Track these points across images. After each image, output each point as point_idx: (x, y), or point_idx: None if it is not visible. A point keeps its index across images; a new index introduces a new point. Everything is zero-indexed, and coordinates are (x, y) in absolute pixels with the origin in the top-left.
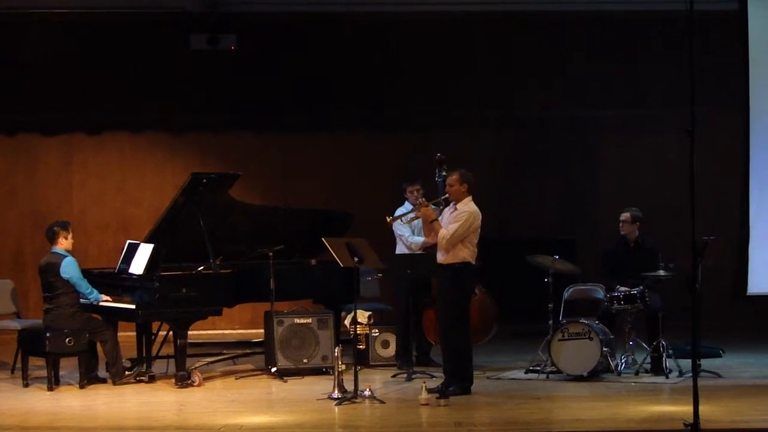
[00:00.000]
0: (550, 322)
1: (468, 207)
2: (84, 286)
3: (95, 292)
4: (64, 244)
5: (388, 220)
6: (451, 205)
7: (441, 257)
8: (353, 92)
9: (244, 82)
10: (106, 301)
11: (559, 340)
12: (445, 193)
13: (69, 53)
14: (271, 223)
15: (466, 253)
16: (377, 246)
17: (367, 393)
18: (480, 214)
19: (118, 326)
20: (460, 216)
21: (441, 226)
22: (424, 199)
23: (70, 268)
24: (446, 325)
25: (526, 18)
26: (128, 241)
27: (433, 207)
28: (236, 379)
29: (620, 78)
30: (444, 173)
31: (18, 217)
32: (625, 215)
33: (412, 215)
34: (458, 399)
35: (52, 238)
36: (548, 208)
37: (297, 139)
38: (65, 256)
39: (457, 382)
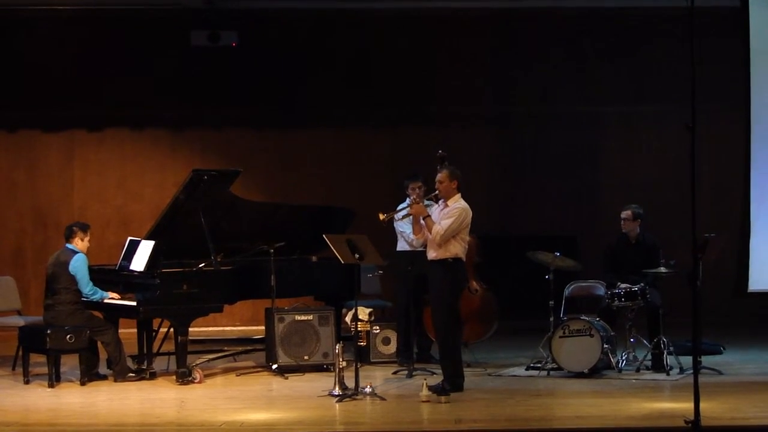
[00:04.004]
0: (551, 318)
1: (459, 203)
2: (89, 286)
3: (99, 292)
4: (79, 244)
5: (381, 217)
6: (441, 202)
7: (432, 253)
8: (354, 89)
9: (245, 79)
10: (112, 298)
11: (560, 336)
12: (435, 190)
13: (70, 50)
14: (272, 220)
15: (458, 248)
16: (378, 243)
17: (367, 390)
18: (470, 211)
19: (119, 324)
20: (452, 212)
21: (433, 222)
22: (415, 196)
23: (79, 264)
24: (438, 320)
25: (526, 14)
26: (129, 238)
27: (426, 203)
28: (237, 375)
29: (621, 74)
30: None
31: (19, 213)
32: (626, 213)
33: (404, 212)
34: (459, 396)
35: (69, 236)
36: (549, 204)
37: (298, 136)
38: (77, 252)
39: (449, 378)
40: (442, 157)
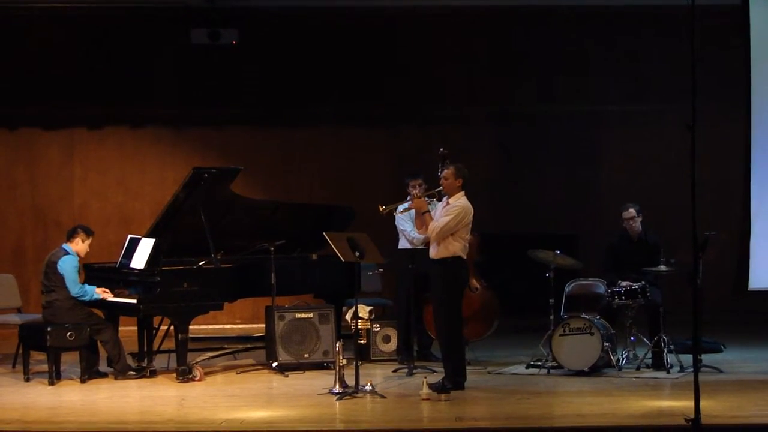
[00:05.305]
0: (551, 317)
1: (460, 202)
2: (76, 287)
3: (88, 293)
4: (79, 245)
5: (381, 209)
6: (444, 199)
7: (433, 252)
8: (354, 87)
9: (246, 77)
10: (105, 292)
11: (560, 335)
12: (440, 186)
13: (70, 47)
14: (273, 218)
15: (457, 247)
16: (378, 241)
17: (368, 388)
18: (472, 210)
19: (119, 322)
20: (452, 210)
21: (432, 218)
22: (417, 190)
23: (66, 265)
24: (439, 319)
25: (527, 13)
26: (129, 236)
27: (426, 199)
28: (237, 373)
29: (621, 73)
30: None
31: (19, 211)
32: (629, 212)
33: (406, 206)
34: (459, 394)
35: (70, 235)
36: (549, 203)
37: (298, 134)
38: (68, 254)
39: (449, 377)
40: (443, 155)
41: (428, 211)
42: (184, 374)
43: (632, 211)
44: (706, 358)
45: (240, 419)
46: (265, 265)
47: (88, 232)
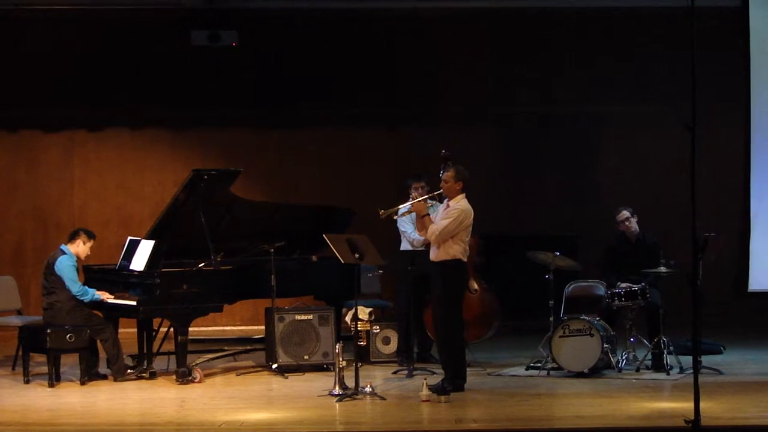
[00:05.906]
0: (551, 318)
1: (460, 204)
2: (76, 286)
3: (89, 293)
4: (79, 247)
5: (380, 213)
6: (445, 201)
7: (433, 254)
8: (354, 88)
9: (245, 79)
10: (106, 297)
11: (560, 336)
12: (440, 189)
13: (70, 49)
14: (272, 220)
15: (457, 250)
16: (378, 242)
17: (367, 389)
18: (472, 212)
19: (119, 323)
20: (451, 213)
21: (432, 221)
22: (417, 193)
23: (63, 266)
24: (439, 322)
25: (527, 13)
26: (129, 238)
27: (428, 202)
28: (237, 375)
29: (621, 74)
30: None
31: (19, 213)
32: (622, 214)
33: (405, 209)
34: (459, 395)
35: (71, 237)
36: (549, 204)
37: (298, 136)
38: (66, 254)
39: (449, 379)
40: (445, 157)
41: (428, 215)
42: (184, 376)
43: (626, 213)
44: (706, 360)
45: (239, 421)
46: (264, 267)
47: (90, 236)
